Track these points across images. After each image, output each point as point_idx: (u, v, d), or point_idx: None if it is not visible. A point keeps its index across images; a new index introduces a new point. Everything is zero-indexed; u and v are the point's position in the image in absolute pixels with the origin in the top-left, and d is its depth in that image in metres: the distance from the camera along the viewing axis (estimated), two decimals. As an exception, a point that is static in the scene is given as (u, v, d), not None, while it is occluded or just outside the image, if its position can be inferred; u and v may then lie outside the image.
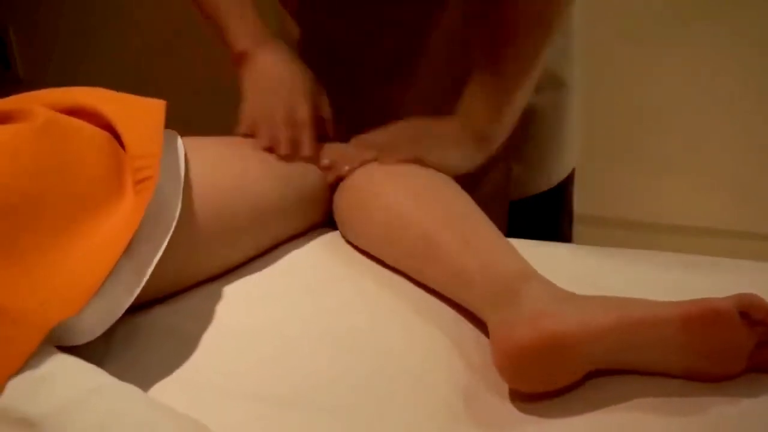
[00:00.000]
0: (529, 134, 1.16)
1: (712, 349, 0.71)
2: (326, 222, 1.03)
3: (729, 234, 1.98)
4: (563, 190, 1.24)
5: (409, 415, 0.73)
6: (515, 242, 0.95)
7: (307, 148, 1.00)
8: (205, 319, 0.85)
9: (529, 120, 1.13)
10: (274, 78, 1.03)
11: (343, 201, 0.98)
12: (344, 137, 1.05)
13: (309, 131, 1.01)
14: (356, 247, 0.98)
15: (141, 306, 0.84)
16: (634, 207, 2.04)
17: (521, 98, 1.02)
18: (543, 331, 0.71)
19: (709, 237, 1.97)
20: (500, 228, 0.92)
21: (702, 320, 0.70)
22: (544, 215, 1.24)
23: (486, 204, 0.94)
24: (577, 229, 1.29)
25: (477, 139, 1.02)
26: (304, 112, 1.01)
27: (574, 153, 1.23)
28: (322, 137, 1.03)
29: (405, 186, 0.94)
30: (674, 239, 1.98)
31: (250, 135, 1.01)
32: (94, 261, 0.75)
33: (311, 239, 1.00)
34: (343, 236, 0.99)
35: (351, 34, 1.05)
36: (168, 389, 0.76)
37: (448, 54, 1.10)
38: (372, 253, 0.95)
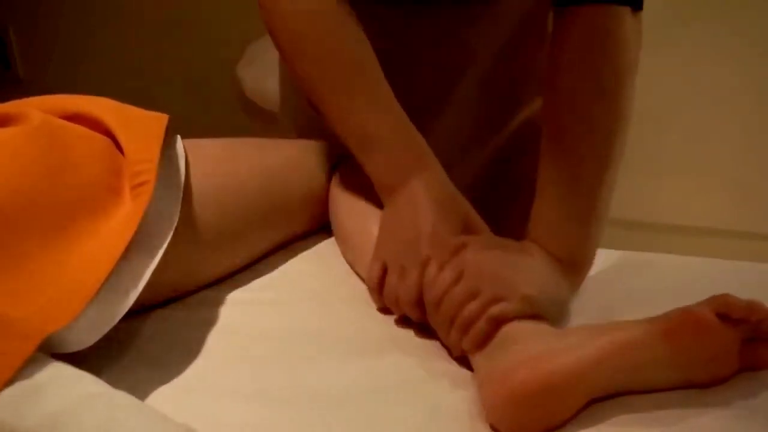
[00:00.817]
0: None
1: (699, 356, 0.71)
2: (326, 226, 1.02)
3: (729, 234, 1.97)
4: None
5: (406, 420, 0.73)
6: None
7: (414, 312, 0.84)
8: (202, 324, 0.85)
9: None
10: (416, 224, 0.85)
11: (331, 208, 0.98)
12: None
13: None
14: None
15: (138, 311, 0.84)
16: (634, 207, 2.03)
17: (605, 200, 0.85)
18: (540, 373, 0.70)
19: (709, 237, 1.97)
20: None
21: (683, 331, 0.70)
22: None
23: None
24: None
25: (568, 268, 0.84)
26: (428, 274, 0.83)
27: None
28: None
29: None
30: (674, 239, 1.98)
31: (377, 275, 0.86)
32: (90, 268, 0.75)
33: (311, 243, 1.00)
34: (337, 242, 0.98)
35: (387, 73, 0.91)
36: (164, 395, 0.75)
37: (478, 96, 1.09)
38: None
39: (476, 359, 0.77)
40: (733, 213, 1.99)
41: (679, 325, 0.71)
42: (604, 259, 0.96)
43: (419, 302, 0.82)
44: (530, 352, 0.72)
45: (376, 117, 0.88)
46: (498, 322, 0.75)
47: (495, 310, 0.76)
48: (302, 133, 1.13)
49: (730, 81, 1.88)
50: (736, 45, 1.84)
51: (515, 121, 1.13)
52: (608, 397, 0.73)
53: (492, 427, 0.71)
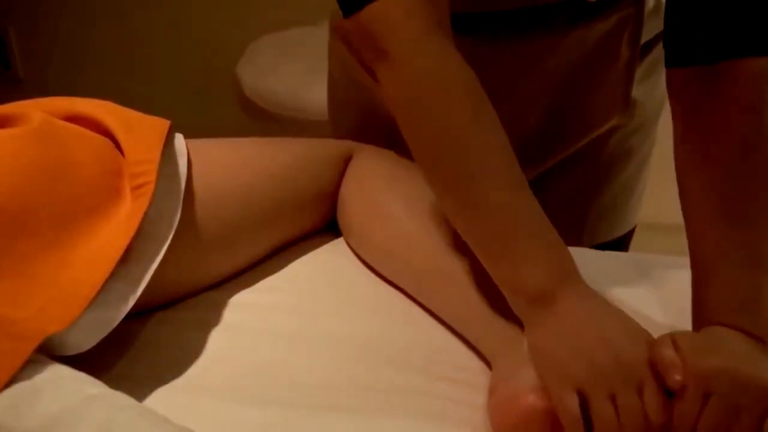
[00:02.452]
0: (615, 174, 1.06)
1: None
2: (330, 225, 1.02)
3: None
4: (628, 236, 1.16)
5: (406, 421, 0.73)
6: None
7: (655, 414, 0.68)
8: (203, 326, 0.85)
9: (616, 160, 1.05)
10: (595, 327, 0.71)
11: (345, 207, 0.96)
12: None
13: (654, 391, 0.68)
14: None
15: (138, 313, 0.83)
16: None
17: None
18: (548, 403, 0.68)
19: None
20: None
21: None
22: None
23: None
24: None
25: None
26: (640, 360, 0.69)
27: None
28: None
29: (408, 198, 0.89)
30: (674, 239, 1.98)
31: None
32: (90, 270, 0.74)
33: (316, 243, 0.99)
34: (347, 242, 0.98)
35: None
36: (164, 398, 0.75)
37: (545, 123, 1.03)
38: (376, 268, 0.93)
39: (498, 360, 0.75)
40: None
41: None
42: (604, 259, 0.96)
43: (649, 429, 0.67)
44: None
45: (522, 207, 0.74)
46: None
47: None
48: (352, 135, 1.08)
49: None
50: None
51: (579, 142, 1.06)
52: None
53: None
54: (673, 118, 0.79)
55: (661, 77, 0.98)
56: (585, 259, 0.96)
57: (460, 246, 0.80)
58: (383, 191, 0.93)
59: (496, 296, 0.76)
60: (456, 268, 0.82)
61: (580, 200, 0.92)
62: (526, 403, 0.69)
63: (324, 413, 0.74)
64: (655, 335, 0.71)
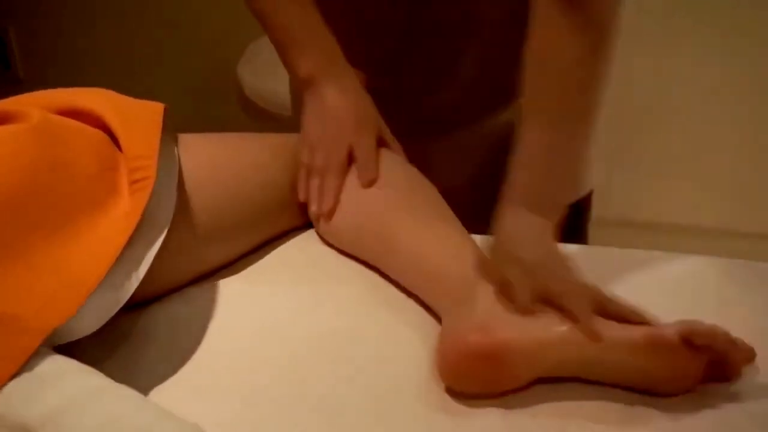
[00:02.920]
0: None
1: (657, 372, 0.73)
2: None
3: (729, 234, 1.97)
4: (586, 201, 1.24)
5: (397, 416, 0.74)
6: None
7: (327, 199, 0.96)
8: (201, 318, 0.85)
9: None
10: (338, 108, 0.98)
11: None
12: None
13: (340, 178, 0.96)
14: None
15: (136, 305, 0.84)
16: (634, 207, 2.03)
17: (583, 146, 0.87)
18: (490, 340, 0.73)
19: (709, 237, 1.96)
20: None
21: (646, 347, 0.72)
22: (569, 226, 1.22)
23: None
24: (577, 229, 1.29)
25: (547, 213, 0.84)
26: (362, 148, 0.96)
27: (594, 163, 1.22)
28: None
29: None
30: (674, 239, 1.98)
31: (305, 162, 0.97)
32: (90, 263, 0.75)
33: (306, 236, 0.99)
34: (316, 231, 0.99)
35: (393, 39, 0.99)
36: (165, 389, 0.76)
37: (479, 75, 1.08)
38: (340, 246, 0.96)
39: (445, 312, 0.80)
40: (733, 213, 1.99)
41: (644, 342, 0.72)
42: (604, 258, 0.96)
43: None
44: (492, 315, 0.75)
45: (299, 20, 0.99)
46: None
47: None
48: None
49: (731, 81, 1.88)
50: (737, 45, 1.84)
51: (515, 112, 1.11)
52: (559, 379, 0.74)
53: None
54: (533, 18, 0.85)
55: None
56: (591, 257, 0.97)
57: (419, 216, 0.90)
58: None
59: (444, 258, 0.83)
60: (402, 232, 0.88)
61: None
62: (467, 341, 0.73)
63: (322, 411, 0.74)
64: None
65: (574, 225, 1.22)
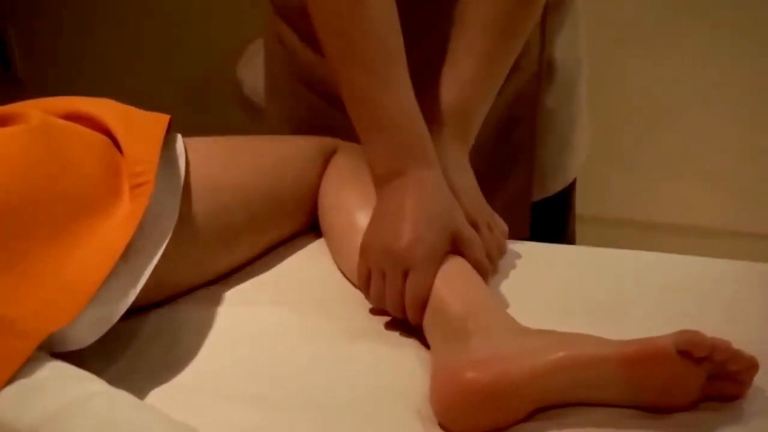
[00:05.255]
0: (548, 134, 1.14)
1: (655, 386, 0.71)
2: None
3: (729, 234, 1.97)
4: (571, 189, 1.24)
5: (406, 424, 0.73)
6: (518, 245, 0.96)
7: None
8: (201, 325, 0.85)
9: (546, 119, 1.12)
10: (399, 229, 0.82)
11: (323, 216, 0.97)
12: None
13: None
14: None
15: (137, 310, 0.83)
16: (634, 207, 2.03)
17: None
18: (488, 375, 0.70)
19: (709, 237, 1.96)
20: (523, 230, 0.88)
21: (641, 360, 0.70)
22: (556, 215, 1.24)
23: (509, 207, 0.92)
24: (577, 229, 1.29)
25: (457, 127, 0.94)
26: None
27: (583, 150, 1.24)
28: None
29: (365, 193, 0.90)
30: (674, 239, 1.98)
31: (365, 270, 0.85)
32: (89, 268, 0.75)
33: (312, 239, 0.99)
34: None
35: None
36: (164, 394, 0.76)
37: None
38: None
39: (435, 346, 0.78)
40: (733, 213, 1.99)
41: (637, 354, 0.70)
42: (603, 258, 0.96)
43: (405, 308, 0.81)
44: (485, 350, 0.73)
45: (388, 97, 0.86)
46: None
47: None
48: (294, 127, 1.13)
49: (730, 81, 1.88)
50: (737, 45, 1.84)
51: (509, 91, 1.09)
52: (558, 406, 0.72)
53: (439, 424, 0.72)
54: None
55: (577, 36, 1.13)
56: (578, 255, 0.97)
57: None
58: (346, 183, 0.94)
59: (442, 287, 0.80)
60: None
61: (522, 160, 1.04)
62: (464, 379, 0.71)
63: (322, 414, 0.74)
64: (653, 333, 0.71)
65: (559, 218, 1.23)
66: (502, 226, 0.93)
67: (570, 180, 1.22)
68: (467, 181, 0.93)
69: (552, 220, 1.22)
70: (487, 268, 0.86)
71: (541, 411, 0.72)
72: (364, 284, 0.85)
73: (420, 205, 0.83)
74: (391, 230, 0.82)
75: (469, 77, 0.94)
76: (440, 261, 0.81)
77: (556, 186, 1.20)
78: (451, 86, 0.94)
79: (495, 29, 0.94)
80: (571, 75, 1.16)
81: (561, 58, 1.12)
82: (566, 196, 1.23)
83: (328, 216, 0.95)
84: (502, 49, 0.95)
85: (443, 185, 0.86)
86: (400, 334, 0.84)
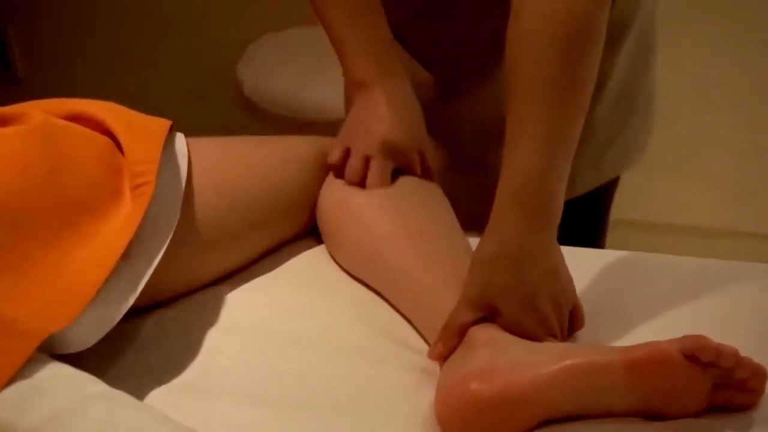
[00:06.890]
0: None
1: (661, 391, 0.70)
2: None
3: (729, 234, 1.97)
4: (608, 189, 1.22)
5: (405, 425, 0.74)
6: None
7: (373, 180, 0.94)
8: (202, 326, 0.85)
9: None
10: (382, 108, 0.96)
11: (323, 212, 0.97)
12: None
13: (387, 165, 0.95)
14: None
15: (137, 311, 0.83)
16: (635, 207, 2.03)
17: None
18: (493, 387, 0.70)
19: (709, 237, 1.96)
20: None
21: (646, 365, 0.69)
22: (587, 216, 1.22)
23: None
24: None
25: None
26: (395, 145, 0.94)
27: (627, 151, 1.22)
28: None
29: (384, 208, 0.91)
30: (674, 239, 1.98)
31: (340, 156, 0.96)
32: (90, 269, 0.75)
33: (308, 244, 0.99)
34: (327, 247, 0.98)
35: (445, 31, 0.99)
36: (164, 394, 0.76)
37: None
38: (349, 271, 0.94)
39: (448, 361, 0.77)
40: (733, 213, 1.99)
41: (642, 359, 0.70)
42: (603, 258, 0.96)
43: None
44: (490, 362, 0.72)
45: (355, 29, 0.98)
46: None
47: None
48: None
49: (731, 81, 1.88)
50: (737, 45, 1.84)
51: None
52: (565, 419, 0.72)
53: None
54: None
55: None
56: (596, 260, 0.97)
57: (422, 251, 0.86)
58: (356, 191, 0.93)
59: (445, 303, 0.79)
60: (421, 270, 0.85)
61: None
62: (469, 390, 0.71)
63: (321, 414, 0.74)
64: (653, 335, 0.71)
65: (596, 214, 1.21)
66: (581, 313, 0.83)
67: (614, 176, 1.20)
68: (548, 265, 0.80)
69: (587, 221, 1.21)
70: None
71: (547, 424, 0.72)
72: (336, 163, 0.95)
73: (390, 105, 0.96)
74: (373, 119, 0.95)
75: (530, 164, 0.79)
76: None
77: (600, 180, 1.17)
78: (515, 176, 0.80)
79: (554, 85, 0.79)
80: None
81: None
82: (607, 191, 1.21)
83: (328, 213, 0.95)
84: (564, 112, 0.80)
85: (408, 93, 0.98)
86: (404, 339, 0.84)
